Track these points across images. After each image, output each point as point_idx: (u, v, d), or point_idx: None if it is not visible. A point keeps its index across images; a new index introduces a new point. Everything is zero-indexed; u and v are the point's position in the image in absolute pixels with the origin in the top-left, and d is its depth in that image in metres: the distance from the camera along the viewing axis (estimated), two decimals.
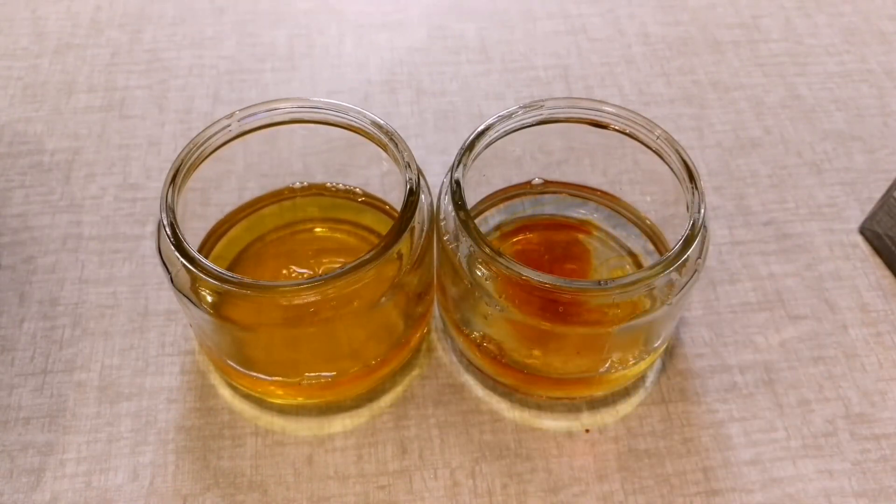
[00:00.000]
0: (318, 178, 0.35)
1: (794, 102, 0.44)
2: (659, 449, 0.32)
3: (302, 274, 0.33)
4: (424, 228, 0.29)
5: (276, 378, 0.31)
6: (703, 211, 0.28)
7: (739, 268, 0.37)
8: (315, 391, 0.32)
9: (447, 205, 0.29)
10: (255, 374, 0.31)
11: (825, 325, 0.35)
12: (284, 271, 0.33)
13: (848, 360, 0.34)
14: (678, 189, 0.29)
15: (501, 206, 0.35)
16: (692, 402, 0.33)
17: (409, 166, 0.29)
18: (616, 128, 0.31)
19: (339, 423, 0.32)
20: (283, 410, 0.32)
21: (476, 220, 0.28)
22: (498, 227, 0.35)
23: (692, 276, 0.28)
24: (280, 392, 0.32)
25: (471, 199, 0.30)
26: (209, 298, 0.28)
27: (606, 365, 0.31)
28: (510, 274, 0.27)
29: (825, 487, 0.31)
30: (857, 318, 0.36)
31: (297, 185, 0.35)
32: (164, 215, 0.27)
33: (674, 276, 0.28)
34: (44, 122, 0.42)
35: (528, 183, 0.35)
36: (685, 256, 0.27)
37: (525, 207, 0.35)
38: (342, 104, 0.30)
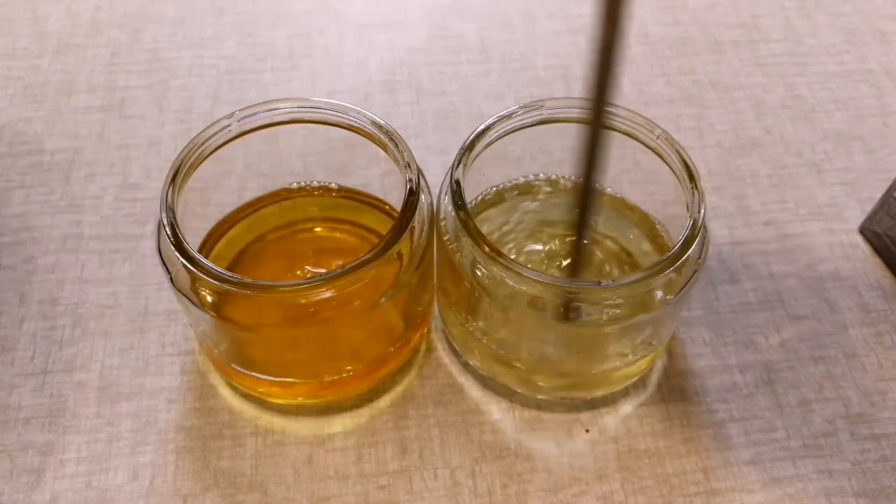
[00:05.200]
0: (318, 178, 0.35)
1: (794, 102, 0.44)
2: (659, 449, 0.32)
3: (302, 274, 0.33)
4: (424, 228, 0.29)
5: (277, 378, 0.31)
6: (703, 211, 0.28)
7: (739, 268, 0.37)
8: (315, 391, 0.32)
9: (447, 205, 0.29)
10: (255, 374, 0.31)
11: (825, 325, 0.35)
12: (285, 271, 0.33)
13: (848, 360, 0.34)
14: (678, 189, 0.29)
15: (502, 205, 0.35)
16: (692, 402, 0.33)
17: (409, 166, 0.29)
18: (616, 128, 0.31)
19: (339, 423, 0.32)
20: (283, 410, 0.32)
21: (476, 220, 0.28)
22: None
23: (692, 276, 0.28)
24: (280, 392, 0.32)
25: (470, 199, 0.30)
26: (209, 298, 0.28)
27: (606, 365, 0.31)
28: (510, 273, 0.27)
29: (825, 487, 0.31)
30: (857, 318, 0.36)
31: (295, 185, 0.35)
32: (164, 215, 0.27)
33: (674, 276, 0.28)
34: (44, 122, 0.42)
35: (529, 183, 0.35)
36: (685, 256, 0.27)
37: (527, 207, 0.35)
38: (342, 104, 0.30)
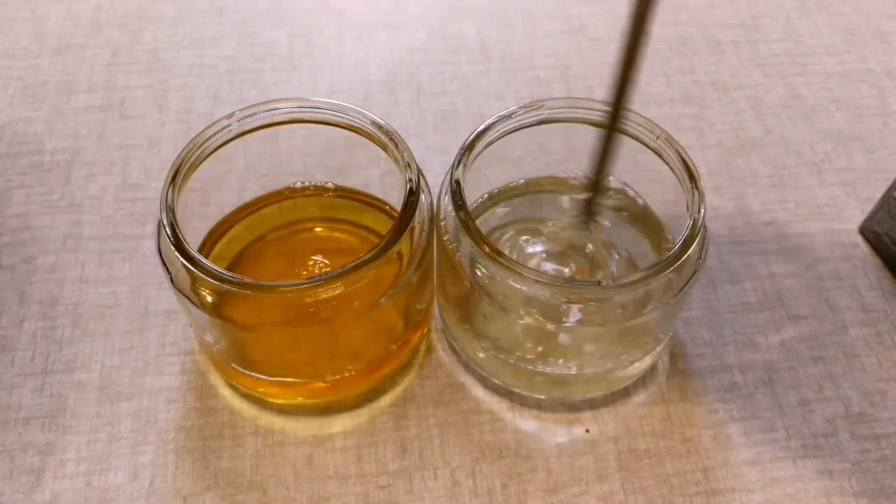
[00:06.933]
0: (318, 178, 0.35)
1: (794, 102, 0.44)
2: (659, 449, 0.32)
3: (302, 274, 0.33)
4: (424, 228, 0.29)
5: (277, 378, 0.31)
6: (703, 211, 0.28)
7: (739, 268, 0.37)
8: (315, 391, 0.32)
9: (447, 205, 0.29)
10: (254, 374, 0.31)
11: (825, 325, 0.35)
12: (285, 271, 0.33)
13: (848, 360, 0.34)
14: (678, 189, 0.29)
15: (502, 206, 0.35)
16: (692, 402, 0.33)
17: (409, 166, 0.29)
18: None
19: (339, 423, 0.32)
20: (283, 410, 0.32)
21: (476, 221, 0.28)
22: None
23: (692, 276, 0.28)
24: (280, 392, 0.32)
25: (470, 199, 0.30)
26: (209, 298, 0.28)
27: (606, 365, 0.31)
28: (510, 274, 0.27)
29: (825, 487, 0.31)
30: (857, 318, 0.36)
31: (298, 184, 0.35)
32: (164, 215, 0.27)
33: (674, 276, 0.28)
34: (44, 122, 0.42)
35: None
36: (685, 256, 0.27)
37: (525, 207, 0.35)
38: (342, 104, 0.30)
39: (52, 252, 0.37)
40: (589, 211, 0.30)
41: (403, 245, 0.28)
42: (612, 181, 0.34)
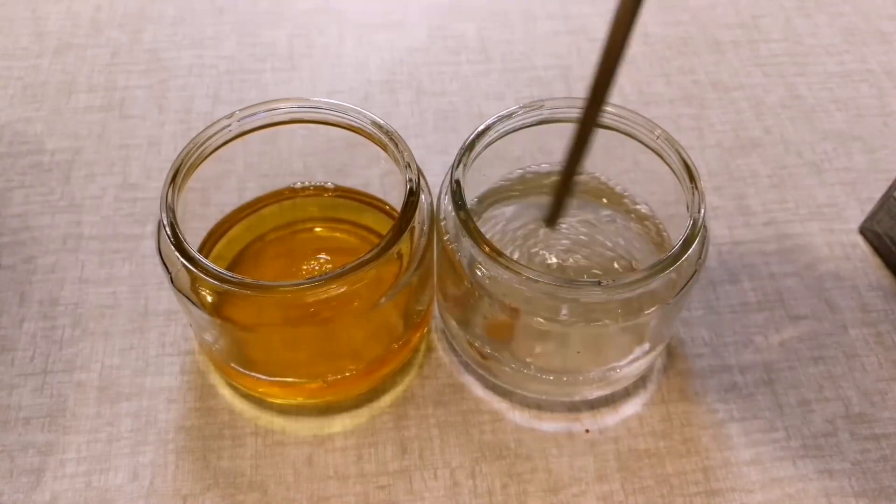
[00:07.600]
0: (318, 178, 0.35)
1: (794, 102, 0.44)
2: (659, 449, 0.32)
3: (302, 274, 0.33)
4: (424, 228, 0.29)
5: (277, 378, 0.31)
6: (703, 211, 0.28)
7: (739, 268, 0.37)
8: (315, 391, 0.32)
9: (447, 205, 0.29)
10: (254, 374, 0.31)
11: (825, 325, 0.35)
12: (285, 271, 0.33)
13: (848, 360, 0.34)
14: (678, 189, 0.29)
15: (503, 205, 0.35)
16: (692, 402, 0.33)
17: (409, 166, 0.29)
18: (616, 128, 0.31)
19: (339, 423, 0.32)
20: (283, 410, 0.32)
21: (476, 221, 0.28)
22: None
23: (692, 276, 0.28)
24: (280, 392, 0.32)
25: (471, 199, 0.30)
26: (209, 298, 0.28)
27: (606, 365, 0.31)
28: (510, 273, 0.27)
29: (825, 487, 0.31)
30: (857, 318, 0.36)
31: (298, 184, 0.35)
32: (164, 215, 0.27)
33: (674, 276, 0.28)
34: (44, 122, 0.42)
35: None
36: (685, 256, 0.27)
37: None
38: (342, 104, 0.30)
39: (52, 252, 0.37)
40: (556, 212, 0.30)
41: (403, 245, 0.28)
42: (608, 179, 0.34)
